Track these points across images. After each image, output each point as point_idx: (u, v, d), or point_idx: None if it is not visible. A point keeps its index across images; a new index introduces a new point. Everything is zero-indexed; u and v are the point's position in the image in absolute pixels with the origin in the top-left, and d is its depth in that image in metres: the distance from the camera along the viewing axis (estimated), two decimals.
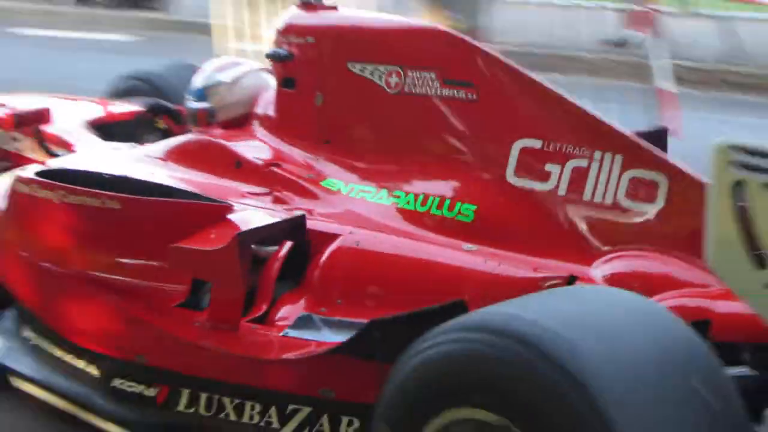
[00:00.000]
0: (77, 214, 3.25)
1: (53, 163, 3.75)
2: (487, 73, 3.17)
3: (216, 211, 3.12)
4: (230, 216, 3.13)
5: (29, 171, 3.47)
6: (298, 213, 3.13)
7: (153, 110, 4.25)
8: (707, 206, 2.21)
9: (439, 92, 3.23)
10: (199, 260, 2.97)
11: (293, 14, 3.66)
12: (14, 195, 3.49)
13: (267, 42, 5.73)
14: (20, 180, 3.44)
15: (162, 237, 3.04)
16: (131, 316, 3.17)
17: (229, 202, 3.21)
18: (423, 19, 6.41)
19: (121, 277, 3.22)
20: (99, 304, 3.25)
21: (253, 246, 3.05)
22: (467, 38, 3.25)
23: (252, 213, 3.17)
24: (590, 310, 2.21)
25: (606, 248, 2.92)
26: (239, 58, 3.93)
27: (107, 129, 4.29)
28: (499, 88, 3.14)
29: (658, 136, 3.45)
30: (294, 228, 3.06)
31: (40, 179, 3.36)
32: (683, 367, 2.09)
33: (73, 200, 3.24)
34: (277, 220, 3.10)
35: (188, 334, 3.06)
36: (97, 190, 3.18)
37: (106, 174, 3.40)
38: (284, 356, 2.83)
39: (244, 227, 3.01)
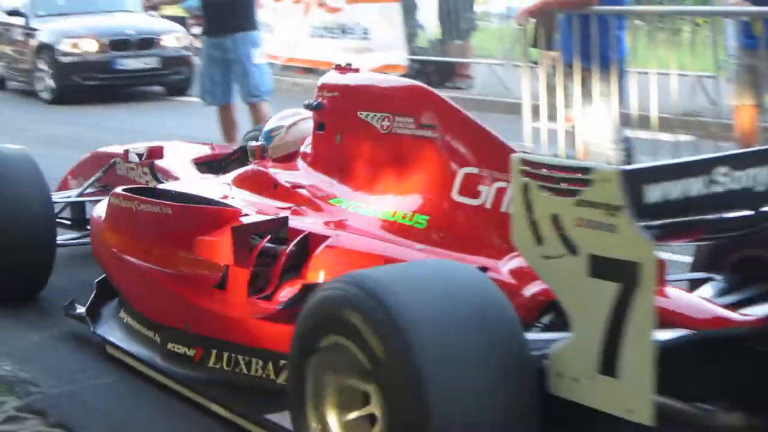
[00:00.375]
0: (145, 218, 4.41)
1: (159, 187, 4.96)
2: (446, 118, 4.13)
3: (231, 214, 4.20)
4: (239, 218, 4.21)
5: (119, 188, 4.67)
6: (282, 215, 4.17)
7: (242, 150, 5.38)
8: (512, 202, 3.08)
9: (414, 133, 4.21)
10: (212, 248, 4.05)
11: (328, 75, 4.75)
12: (109, 206, 4.70)
13: (573, 122, 6.82)
14: (113, 195, 4.65)
15: (197, 233, 4.14)
16: (180, 295, 4.25)
17: (239, 208, 4.30)
18: None
19: (173, 266, 4.33)
20: (160, 287, 4.37)
21: (268, 244, 4.10)
22: (434, 91, 4.23)
23: (252, 216, 4.23)
24: (424, 272, 3.12)
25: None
26: (300, 110, 4.96)
27: (209, 164, 5.45)
28: (453, 129, 4.08)
29: None
30: (278, 225, 4.10)
31: (124, 193, 4.55)
32: (482, 316, 2.96)
33: (143, 208, 4.40)
34: (263, 219, 4.15)
35: (216, 307, 4.11)
36: (157, 200, 4.33)
37: (174, 191, 4.56)
38: (264, 315, 3.84)
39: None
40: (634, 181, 2.83)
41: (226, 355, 4.06)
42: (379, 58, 14.43)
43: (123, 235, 4.61)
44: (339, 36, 15.19)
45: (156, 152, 5.46)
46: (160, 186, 4.95)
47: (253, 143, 5.01)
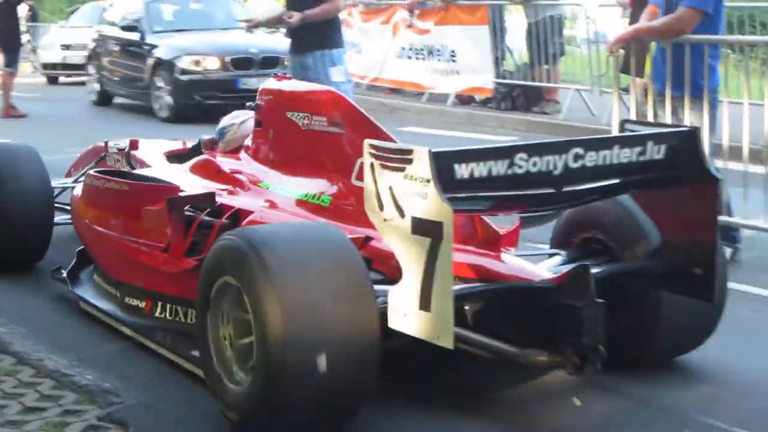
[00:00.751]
0: (108, 194, 5.38)
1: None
2: (350, 117, 5.05)
3: (173, 190, 5.15)
4: (178, 192, 5.16)
5: (92, 170, 5.64)
6: (210, 191, 5.10)
7: (200, 145, 6.31)
8: (364, 177, 3.97)
9: (326, 129, 5.12)
10: (155, 217, 4.99)
11: (268, 81, 5.69)
12: (84, 185, 5.68)
13: None
14: (87, 176, 5.64)
15: (144, 205, 5.09)
16: (134, 256, 5.19)
17: (178, 185, 5.24)
18: None
19: (129, 233, 5.28)
20: (119, 250, 5.31)
21: (206, 218, 5.02)
22: (344, 96, 5.16)
23: (189, 192, 5.18)
24: (295, 229, 4.06)
25: None
26: (249, 111, 5.90)
27: (178, 157, 6.40)
28: (355, 127, 4.99)
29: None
30: (207, 198, 5.03)
31: (95, 174, 5.52)
32: (342, 269, 3.84)
33: (107, 186, 5.37)
34: (193, 194, 5.08)
35: (161, 266, 5.04)
36: (116, 179, 5.30)
37: (135, 174, 5.53)
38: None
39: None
40: (445, 160, 3.70)
41: (168, 306, 4.98)
42: (465, 80, 14.77)
43: (93, 208, 5.60)
44: (426, 57, 15.37)
45: (133, 144, 6.43)
46: (129, 171, 5.92)
47: (205, 137, 5.99)
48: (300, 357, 3.67)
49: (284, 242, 3.86)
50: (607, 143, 4.02)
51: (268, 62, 14.32)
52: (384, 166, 3.81)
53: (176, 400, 4.37)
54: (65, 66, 22.69)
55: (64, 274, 5.78)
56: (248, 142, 5.73)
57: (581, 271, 3.94)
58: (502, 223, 4.83)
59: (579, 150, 3.93)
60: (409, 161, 3.69)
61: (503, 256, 4.35)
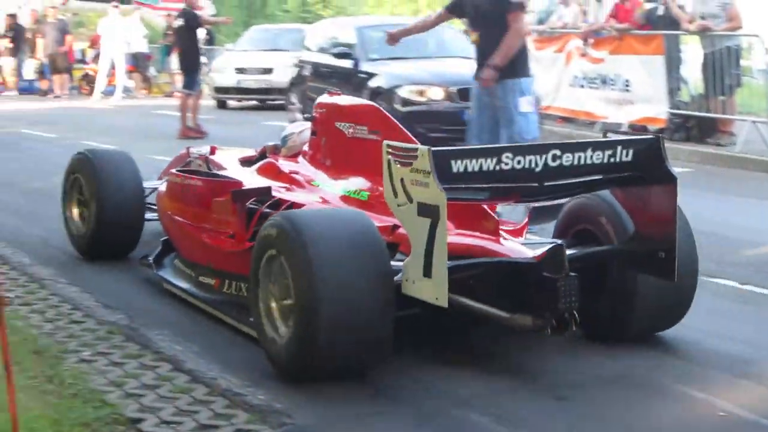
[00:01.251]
0: (186, 189, 6.44)
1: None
2: (386, 126, 6.01)
3: (237, 184, 6.17)
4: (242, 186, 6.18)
5: (173, 169, 6.71)
6: (267, 186, 6.09)
7: (264, 152, 7.33)
8: (383, 172, 4.91)
9: (367, 136, 6.09)
10: (221, 206, 6.01)
11: (322, 96, 6.68)
12: (167, 183, 6.75)
13: None
14: (170, 174, 6.70)
15: (213, 197, 6.12)
16: (206, 241, 6.20)
17: (241, 181, 6.26)
18: None
19: (201, 221, 6.30)
20: (194, 237, 6.34)
21: (266, 210, 6.01)
22: (380, 108, 6.14)
23: (251, 186, 6.18)
24: (330, 214, 5.03)
25: None
26: (307, 122, 6.90)
27: (250, 162, 7.42)
28: (389, 134, 5.93)
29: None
30: (264, 191, 6.02)
31: (176, 173, 6.58)
32: (364, 246, 4.79)
33: (183, 181, 6.43)
34: (253, 187, 6.08)
35: (227, 248, 6.03)
36: (192, 176, 6.34)
37: (207, 172, 6.58)
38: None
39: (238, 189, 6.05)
40: (443, 157, 4.63)
41: (234, 283, 5.95)
42: (639, 110, 14.59)
43: (174, 201, 6.66)
44: (599, 87, 15.19)
45: (212, 150, 7.50)
46: (204, 171, 6.99)
47: (270, 144, 7.03)
48: (328, 315, 4.61)
49: (318, 222, 4.82)
50: (582, 146, 4.92)
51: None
52: (397, 162, 4.75)
53: (347, 423, 4.54)
54: (239, 90, 22.28)
55: (151, 261, 6.82)
56: (306, 147, 6.73)
57: (557, 250, 4.83)
58: (516, 219, 5.81)
59: (557, 151, 4.85)
60: (415, 157, 4.63)
61: (501, 240, 5.26)
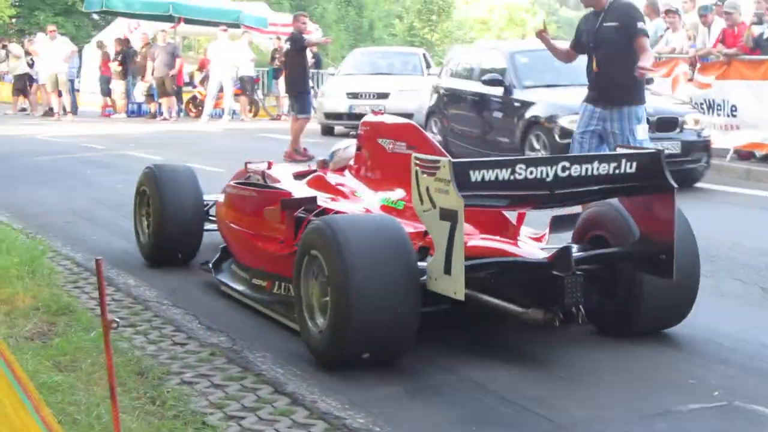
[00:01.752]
0: (242, 199, 7.13)
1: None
2: (422, 142, 6.66)
3: (285, 194, 6.84)
4: (290, 196, 6.84)
5: (231, 182, 7.41)
6: (313, 196, 6.75)
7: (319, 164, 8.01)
8: (411, 182, 5.53)
9: (405, 151, 6.73)
10: (272, 213, 6.68)
11: (367, 115, 7.35)
12: (225, 194, 7.45)
13: None
14: (228, 186, 7.41)
15: (265, 205, 6.80)
16: (259, 246, 6.88)
17: (290, 191, 6.92)
18: None
19: (255, 228, 6.98)
20: (248, 243, 7.02)
21: (313, 218, 6.67)
22: (417, 126, 6.78)
23: (298, 196, 6.83)
24: (365, 219, 5.66)
25: None
26: (353, 140, 7.58)
27: (303, 176, 8.08)
28: (424, 149, 6.56)
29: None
30: (310, 201, 6.67)
31: (233, 185, 7.28)
32: (393, 247, 5.42)
33: (240, 192, 7.13)
34: (300, 197, 6.73)
35: (278, 252, 6.69)
36: (246, 186, 7.04)
37: (261, 183, 7.27)
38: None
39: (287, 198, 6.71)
40: (463, 168, 5.25)
41: (283, 284, 6.60)
42: (745, 135, 14.70)
43: (231, 210, 7.36)
44: (706, 112, 14.93)
45: (269, 165, 8.20)
46: (259, 183, 7.68)
47: (320, 159, 7.72)
48: (361, 309, 5.22)
49: (353, 226, 5.45)
50: (589, 159, 5.52)
51: (665, 124, 12.50)
52: (423, 172, 5.38)
53: None
54: (350, 116, 20.60)
55: (210, 266, 7.51)
56: (351, 162, 7.40)
57: (564, 251, 5.42)
58: (539, 227, 6.43)
59: (566, 163, 5.45)
60: (438, 168, 5.26)
61: (519, 243, 5.87)
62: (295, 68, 16.16)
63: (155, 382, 5.16)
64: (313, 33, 17.40)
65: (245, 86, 27.05)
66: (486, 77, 13.94)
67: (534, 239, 6.28)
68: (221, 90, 26.02)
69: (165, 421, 4.63)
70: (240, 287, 7.01)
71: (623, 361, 5.59)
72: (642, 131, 8.51)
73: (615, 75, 8.50)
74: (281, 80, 26.10)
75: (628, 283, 5.85)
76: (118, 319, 3.44)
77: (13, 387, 2.80)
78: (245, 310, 6.70)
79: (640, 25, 8.58)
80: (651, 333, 6.03)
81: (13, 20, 44.78)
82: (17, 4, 44.44)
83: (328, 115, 21.66)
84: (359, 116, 17.72)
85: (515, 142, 13.31)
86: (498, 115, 14.06)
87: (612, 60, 8.52)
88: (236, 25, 29.40)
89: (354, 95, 21.22)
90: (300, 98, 16.15)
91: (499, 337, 5.96)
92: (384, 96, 20.87)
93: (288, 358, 5.64)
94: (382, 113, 7.41)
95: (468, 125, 14.91)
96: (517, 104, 13.53)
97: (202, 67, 28.36)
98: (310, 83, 19.65)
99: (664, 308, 5.93)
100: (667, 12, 17.07)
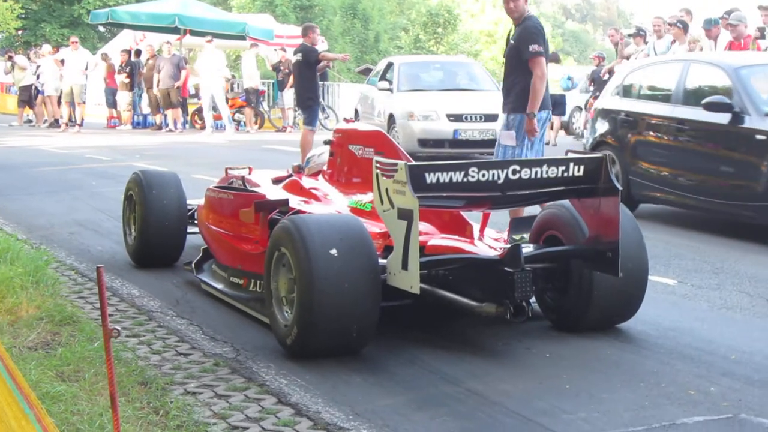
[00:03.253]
0: (220, 202, 7.51)
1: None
2: (389, 148, 7.04)
3: (259, 197, 7.21)
4: (264, 198, 7.21)
5: (211, 185, 7.79)
6: (286, 198, 7.12)
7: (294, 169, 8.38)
8: (373, 184, 5.90)
9: (373, 156, 7.09)
10: (246, 215, 7.05)
11: (340, 123, 7.72)
12: (205, 197, 7.84)
13: None
14: (208, 189, 7.79)
15: (240, 208, 7.18)
16: (236, 246, 7.25)
17: (264, 194, 7.29)
18: None
19: (232, 229, 7.35)
20: (226, 243, 7.39)
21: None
22: (385, 133, 7.15)
23: (273, 198, 7.20)
24: (329, 218, 6.02)
25: None
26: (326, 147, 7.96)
27: (281, 180, 8.45)
28: (391, 154, 6.93)
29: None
30: (282, 203, 7.03)
31: (213, 187, 7.66)
32: (357, 245, 5.76)
33: (217, 195, 7.51)
34: (273, 200, 7.10)
35: (252, 252, 7.05)
36: (223, 190, 7.42)
37: (237, 187, 7.65)
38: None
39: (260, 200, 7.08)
40: (418, 170, 5.61)
41: (258, 282, 6.95)
42: None
43: (210, 212, 7.75)
44: None
45: (249, 170, 8.57)
46: (235, 185, 8.07)
47: (295, 164, 8.11)
48: (324, 303, 5.56)
49: (317, 224, 5.80)
50: (538, 163, 5.88)
51: None
52: (383, 175, 5.74)
53: None
54: (454, 143, 17.52)
55: (192, 266, 7.88)
56: (325, 167, 7.78)
57: (514, 249, 5.77)
58: (499, 228, 6.77)
59: (516, 167, 5.81)
60: (396, 171, 5.62)
61: (475, 242, 6.23)
62: (306, 80, 15.79)
63: (158, 392, 5.21)
64: (319, 45, 16.80)
65: (250, 98, 27.34)
66: (710, 100, 10.35)
67: (496, 240, 6.64)
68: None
69: (168, 431, 4.68)
70: (219, 285, 7.37)
71: (628, 373, 5.63)
72: (506, 137, 9.02)
73: (511, 85, 9.08)
74: (286, 92, 26.61)
75: (579, 280, 6.19)
76: (119, 328, 3.54)
77: (15, 396, 2.81)
78: (249, 322, 6.71)
79: (531, 48, 8.89)
80: (602, 328, 6.35)
81: (20, 32, 45.32)
82: (23, 16, 44.97)
83: (425, 142, 17.47)
84: (467, 143, 17.12)
85: (760, 189, 9.79)
86: (724, 149, 10.45)
87: (510, 72, 9.13)
88: (242, 37, 29.78)
89: (457, 117, 17.46)
90: (308, 110, 15.78)
91: (504, 349, 6.09)
92: (491, 118, 16.65)
93: (292, 369, 5.66)
94: (353, 120, 7.80)
95: (673, 164, 11.07)
96: (761, 137, 9.83)
97: None
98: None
99: (614, 304, 6.26)
100: (672, 25, 17.29)
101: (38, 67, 29.54)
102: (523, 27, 9.02)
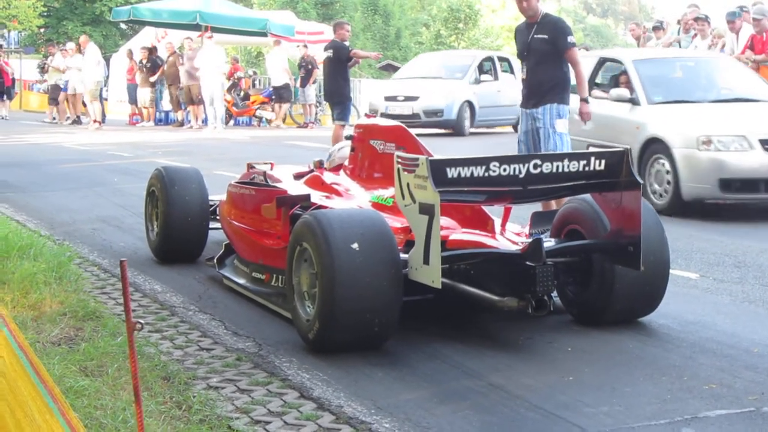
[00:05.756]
0: (242, 197, 7.53)
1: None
2: (409, 143, 7.05)
3: (281, 192, 7.24)
4: (286, 194, 7.23)
5: (232, 181, 7.83)
6: (307, 193, 7.14)
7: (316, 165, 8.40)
8: (394, 179, 5.92)
9: (395, 151, 7.11)
10: (268, 210, 7.07)
11: (360, 118, 7.74)
12: (227, 193, 7.87)
13: None
14: (229, 185, 7.82)
15: (263, 203, 7.20)
16: (258, 242, 7.28)
17: (286, 189, 7.32)
18: None
19: (254, 224, 7.38)
20: (248, 239, 7.42)
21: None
22: (406, 128, 7.17)
23: (294, 194, 7.22)
24: (351, 213, 6.03)
25: None
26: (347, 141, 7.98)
27: (302, 176, 8.48)
28: (412, 149, 6.95)
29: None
30: (304, 198, 7.05)
31: (234, 183, 7.69)
32: (378, 240, 5.78)
33: (239, 191, 7.54)
34: (295, 195, 7.12)
35: (274, 247, 7.08)
36: (245, 185, 7.45)
37: (259, 182, 7.69)
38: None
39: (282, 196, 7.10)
40: (439, 165, 5.62)
41: (280, 277, 6.99)
42: None
43: (232, 208, 7.77)
44: None
45: (271, 166, 8.60)
46: (258, 181, 8.09)
47: (316, 159, 8.13)
48: (346, 298, 5.57)
49: (339, 219, 5.83)
50: (560, 157, 5.88)
51: None
52: (404, 170, 5.76)
53: None
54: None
55: (214, 261, 7.92)
56: (346, 162, 7.80)
57: (536, 243, 5.78)
58: (521, 222, 6.79)
59: (537, 161, 5.81)
60: (417, 165, 5.64)
61: (497, 236, 6.24)
62: (337, 77, 15.69)
63: (181, 387, 5.23)
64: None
65: (281, 94, 27.35)
66: None
67: (518, 234, 6.64)
68: (245, 98, 26.20)
69: (191, 425, 4.69)
70: (241, 280, 7.40)
71: (650, 367, 5.61)
72: (561, 125, 9.31)
73: (542, 80, 9.34)
74: (308, 88, 26.73)
75: (601, 274, 6.18)
76: (142, 321, 3.55)
77: (39, 390, 2.81)
78: (271, 317, 6.73)
79: (570, 39, 9.31)
80: (624, 322, 6.35)
81: (41, 30, 45.51)
82: (46, 14, 45.17)
83: (729, 184, 11.04)
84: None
85: None
86: None
87: (539, 67, 9.35)
88: (263, 34, 29.84)
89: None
90: (340, 106, 15.70)
91: (526, 343, 6.08)
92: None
93: (314, 363, 5.67)
94: (374, 116, 7.81)
95: None
96: None
97: (230, 75, 28.75)
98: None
99: (636, 298, 6.26)
100: (696, 19, 17.23)
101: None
102: (550, 21, 9.35)
